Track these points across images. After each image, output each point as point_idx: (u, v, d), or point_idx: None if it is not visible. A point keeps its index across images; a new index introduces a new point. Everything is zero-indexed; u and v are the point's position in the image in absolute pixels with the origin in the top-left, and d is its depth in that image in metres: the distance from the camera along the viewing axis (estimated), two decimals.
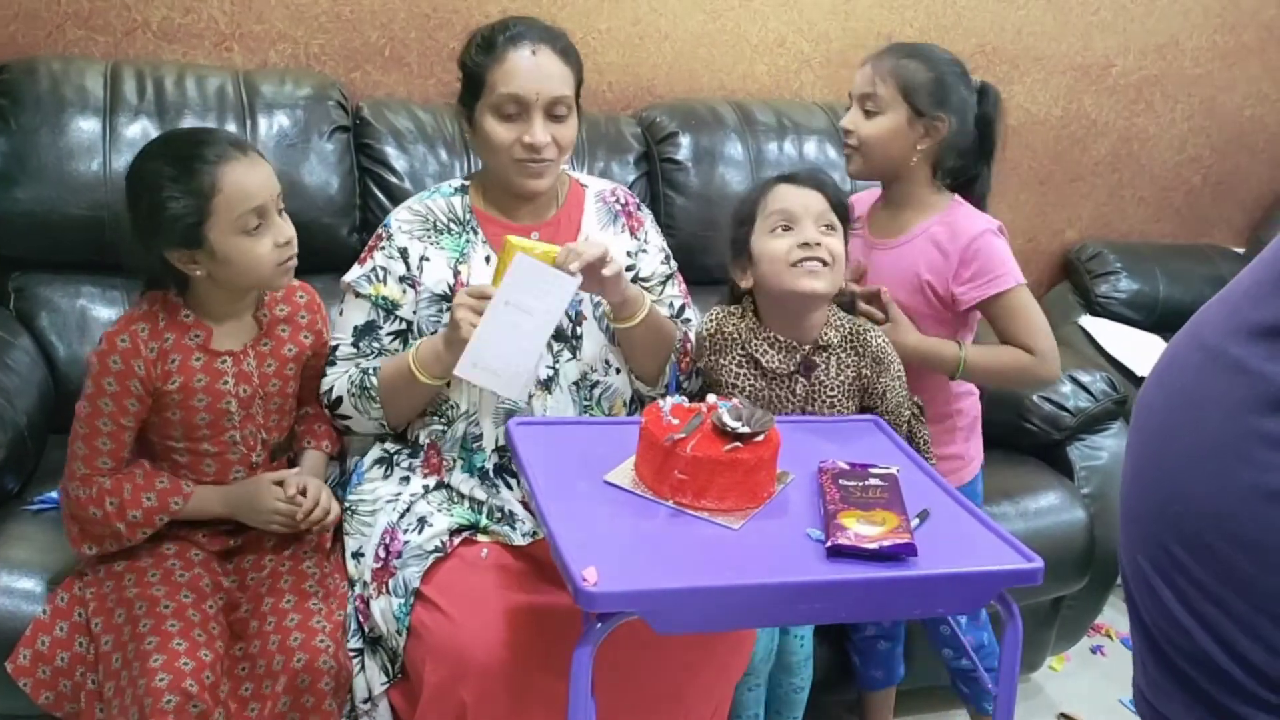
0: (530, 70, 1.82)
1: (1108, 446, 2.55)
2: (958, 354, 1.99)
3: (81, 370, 2.19)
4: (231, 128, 2.28)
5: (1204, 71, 3.42)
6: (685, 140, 2.63)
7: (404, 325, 1.90)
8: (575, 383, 1.90)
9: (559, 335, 1.88)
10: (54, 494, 1.97)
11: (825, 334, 1.90)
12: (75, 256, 2.24)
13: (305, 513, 1.75)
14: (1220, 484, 0.98)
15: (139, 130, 2.23)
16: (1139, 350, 3.15)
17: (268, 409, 1.80)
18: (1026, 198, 3.36)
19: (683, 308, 2.05)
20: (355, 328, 1.90)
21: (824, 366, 1.89)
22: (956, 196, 2.05)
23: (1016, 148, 3.29)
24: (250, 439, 1.79)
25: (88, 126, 2.22)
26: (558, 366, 1.89)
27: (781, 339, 1.89)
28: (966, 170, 2.05)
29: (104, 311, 2.26)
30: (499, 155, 1.86)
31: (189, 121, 2.26)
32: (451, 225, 1.93)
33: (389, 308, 1.89)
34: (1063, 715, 2.57)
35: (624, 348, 1.94)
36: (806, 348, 1.89)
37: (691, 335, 2.02)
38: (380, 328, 1.90)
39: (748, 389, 1.90)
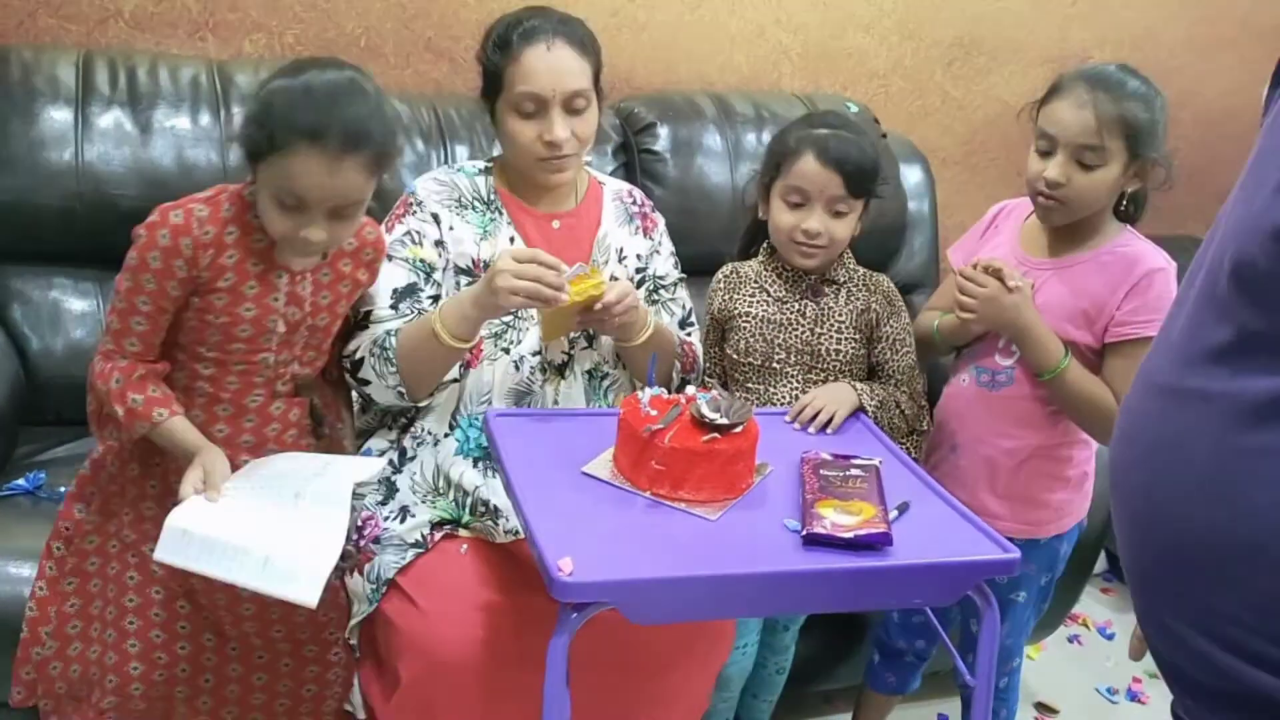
0: (547, 67, 1.80)
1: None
2: (1061, 355, 1.81)
3: (54, 362, 2.19)
4: (205, 118, 2.26)
5: (1180, 63, 3.43)
6: (663, 131, 2.63)
7: (439, 291, 1.86)
8: (589, 371, 1.92)
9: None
10: (22, 481, 1.97)
11: (835, 272, 1.97)
12: (48, 248, 2.22)
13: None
14: (1232, 514, 0.95)
15: (111, 120, 2.21)
16: None
17: (309, 341, 1.71)
18: (1004, 190, 3.34)
19: (690, 311, 2.07)
20: (395, 290, 1.82)
21: (832, 295, 1.97)
22: (1129, 227, 1.90)
23: (994, 140, 3.30)
24: (282, 365, 1.69)
25: (59, 116, 2.19)
26: (573, 353, 1.90)
27: (789, 270, 1.97)
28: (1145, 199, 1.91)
29: (77, 303, 2.23)
30: (521, 153, 1.85)
31: (161, 112, 2.24)
32: (476, 202, 1.91)
33: (428, 271, 1.85)
34: (1039, 704, 2.58)
35: (626, 359, 1.95)
36: (813, 278, 1.97)
37: (695, 340, 2.04)
38: (422, 290, 1.84)
39: (760, 313, 1.97)
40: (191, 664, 1.69)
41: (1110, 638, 2.84)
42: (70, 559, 1.71)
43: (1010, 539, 1.51)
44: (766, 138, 2.67)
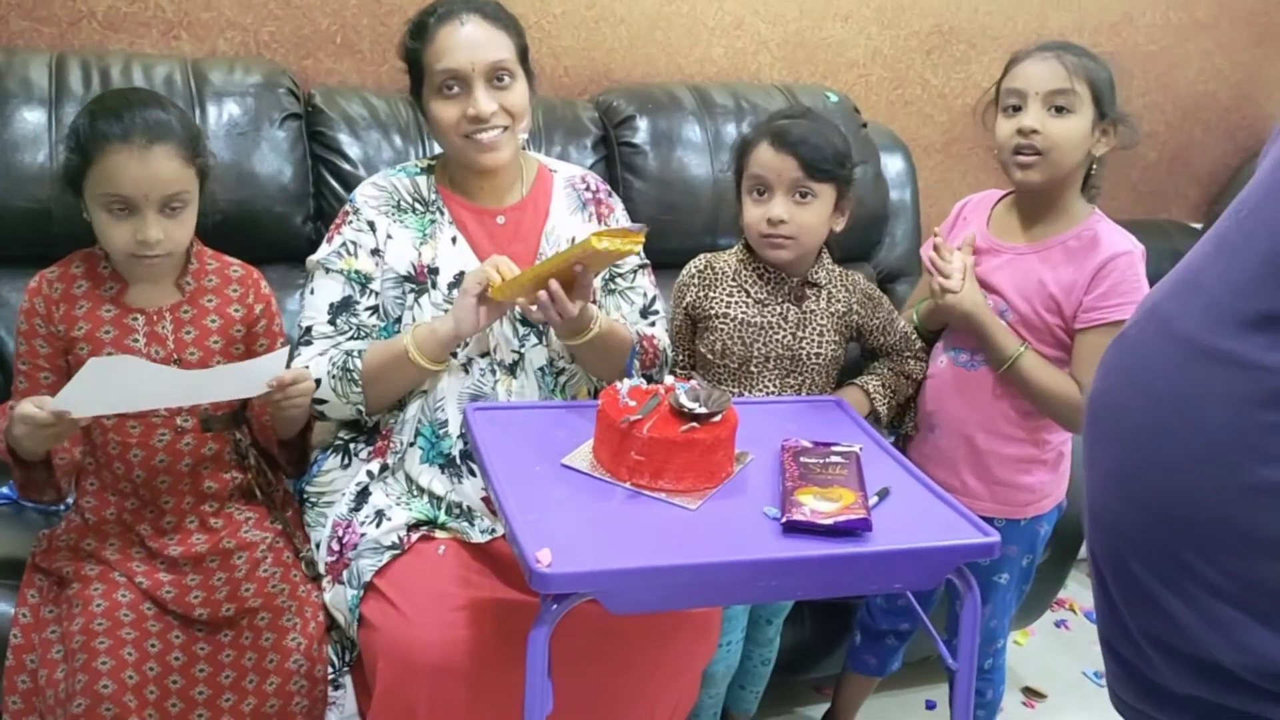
0: (461, 42, 1.80)
1: None
2: (1017, 347, 1.85)
3: None
4: None
5: (1158, 48, 3.44)
6: (643, 124, 2.62)
7: (377, 301, 1.86)
8: (541, 368, 1.88)
9: (526, 320, 1.86)
10: (4, 490, 1.95)
11: (815, 273, 1.97)
12: (22, 250, 2.19)
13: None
14: (1232, 483, 0.94)
15: None
16: None
17: None
18: (986, 177, 3.36)
19: (654, 299, 2.03)
20: (331, 304, 1.84)
21: (814, 298, 1.96)
22: (1098, 209, 1.89)
23: (975, 128, 3.28)
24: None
25: (33, 118, 2.17)
26: (524, 351, 1.87)
27: (770, 271, 1.96)
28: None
29: None
30: (449, 135, 1.83)
31: None
32: (416, 205, 1.90)
33: (363, 282, 1.85)
34: (1027, 688, 2.59)
35: (577, 358, 1.91)
36: (795, 280, 1.96)
37: (659, 332, 2.00)
38: (358, 303, 1.85)
39: (739, 315, 1.95)
40: (160, 664, 1.67)
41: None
42: (52, 590, 1.73)
43: (990, 520, 1.52)
44: (747, 129, 2.67)
